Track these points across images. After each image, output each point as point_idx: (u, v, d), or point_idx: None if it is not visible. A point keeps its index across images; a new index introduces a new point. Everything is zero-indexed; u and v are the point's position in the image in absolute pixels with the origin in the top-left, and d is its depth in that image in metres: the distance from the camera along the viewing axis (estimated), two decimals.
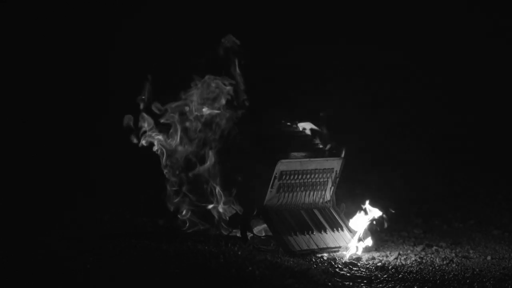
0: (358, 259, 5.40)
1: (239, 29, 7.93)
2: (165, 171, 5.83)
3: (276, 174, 5.52)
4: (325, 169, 5.76)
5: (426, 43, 8.77)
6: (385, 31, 8.67)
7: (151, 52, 7.87)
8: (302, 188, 5.69)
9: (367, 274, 5.04)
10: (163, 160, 5.84)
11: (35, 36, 7.86)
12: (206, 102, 5.83)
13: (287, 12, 8.59)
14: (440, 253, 5.74)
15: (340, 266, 5.19)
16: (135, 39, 7.90)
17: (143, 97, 5.83)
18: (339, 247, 5.59)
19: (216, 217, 5.78)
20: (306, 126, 5.87)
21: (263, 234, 5.68)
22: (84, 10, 7.95)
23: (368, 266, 5.23)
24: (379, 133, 8.35)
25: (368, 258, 5.45)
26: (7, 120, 7.74)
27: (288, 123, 5.92)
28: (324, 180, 5.79)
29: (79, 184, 7.25)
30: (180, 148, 5.83)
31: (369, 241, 5.65)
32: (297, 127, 5.91)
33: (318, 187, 5.77)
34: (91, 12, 7.96)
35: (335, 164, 5.80)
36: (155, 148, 5.84)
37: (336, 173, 5.80)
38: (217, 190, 5.78)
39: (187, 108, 5.78)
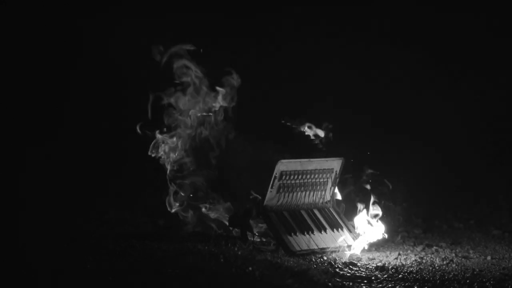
0: (358, 259, 5.40)
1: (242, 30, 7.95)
2: (161, 161, 5.84)
3: (276, 174, 5.52)
4: (325, 169, 5.77)
5: (425, 46, 8.77)
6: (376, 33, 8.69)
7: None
8: (302, 188, 5.69)
9: (367, 274, 5.04)
10: (163, 160, 5.85)
11: (31, 38, 7.88)
12: (204, 103, 5.84)
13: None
14: (440, 253, 5.74)
15: (340, 266, 5.19)
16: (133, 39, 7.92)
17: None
18: (339, 247, 5.60)
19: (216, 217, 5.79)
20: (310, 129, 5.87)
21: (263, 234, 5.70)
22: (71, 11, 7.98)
23: (368, 266, 5.24)
24: (380, 133, 8.35)
25: (368, 258, 5.45)
26: (7, 119, 7.75)
27: (288, 123, 5.93)
28: (324, 180, 5.79)
29: (79, 184, 7.25)
30: (180, 148, 5.84)
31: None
32: (298, 127, 5.92)
33: (318, 187, 5.77)
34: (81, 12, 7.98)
35: (335, 164, 5.80)
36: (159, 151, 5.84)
37: (336, 174, 5.81)
38: (217, 191, 5.78)
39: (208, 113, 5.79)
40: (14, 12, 7.94)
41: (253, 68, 7.73)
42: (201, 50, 5.86)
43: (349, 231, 5.74)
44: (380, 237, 5.72)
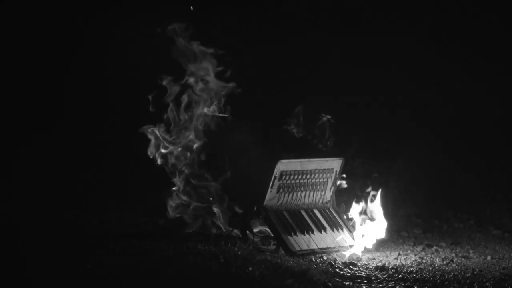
0: (358, 259, 5.40)
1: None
2: (160, 162, 5.84)
3: (276, 174, 5.51)
4: (325, 169, 5.77)
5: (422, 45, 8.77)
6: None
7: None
8: (302, 188, 5.69)
9: (367, 274, 5.04)
10: (163, 160, 5.85)
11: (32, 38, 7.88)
12: (205, 102, 5.83)
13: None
14: (440, 253, 5.74)
15: (340, 266, 5.19)
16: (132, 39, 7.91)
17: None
18: (340, 247, 5.59)
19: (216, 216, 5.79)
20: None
21: (263, 234, 5.69)
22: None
23: (368, 266, 5.23)
24: (380, 133, 8.34)
25: (368, 258, 5.45)
26: (7, 118, 7.75)
27: (288, 123, 5.93)
28: (324, 180, 5.79)
29: (79, 184, 7.25)
30: (180, 147, 5.83)
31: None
32: (299, 127, 5.92)
33: (318, 187, 5.77)
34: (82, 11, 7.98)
35: (335, 164, 5.80)
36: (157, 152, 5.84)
37: (336, 173, 5.81)
38: (217, 191, 5.78)
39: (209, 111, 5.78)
40: (13, 12, 7.94)
41: (253, 68, 7.73)
42: (191, 8, 5.83)
43: (349, 231, 5.73)
44: (378, 237, 5.72)
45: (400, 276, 5.01)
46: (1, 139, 7.60)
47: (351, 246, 5.61)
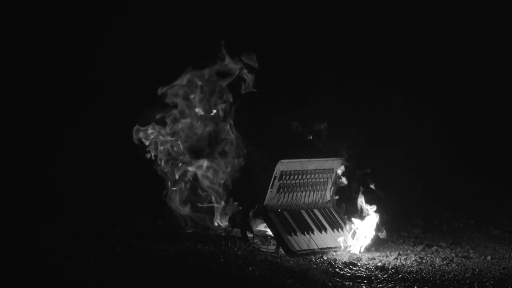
0: (358, 259, 5.40)
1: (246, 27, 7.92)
2: (159, 167, 5.83)
3: (276, 174, 5.52)
4: (325, 169, 5.77)
5: (426, 43, 8.77)
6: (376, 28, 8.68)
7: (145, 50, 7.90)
8: (302, 188, 5.69)
9: (367, 274, 5.04)
10: (162, 159, 5.85)
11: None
12: (206, 100, 5.83)
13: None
14: (440, 253, 5.74)
15: (340, 266, 5.19)
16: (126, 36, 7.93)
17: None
18: (340, 247, 5.59)
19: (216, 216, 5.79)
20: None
21: (263, 234, 5.69)
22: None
23: (368, 266, 5.24)
24: (379, 133, 8.35)
25: (368, 258, 5.45)
26: (9, 119, 7.76)
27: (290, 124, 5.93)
28: (324, 180, 5.79)
29: (79, 184, 7.25)
30: (180, 147, 5.84)
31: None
32: (299, 127, 5.92)
33: (318, 187, 5.77)
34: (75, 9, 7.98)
35: (335, 164, 5.80)
36: (152, 147, 5.84)
37: (336, 174, 5.81)
38: (217, 190, 5.78)
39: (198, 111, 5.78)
40: (16, 12, 7.94)
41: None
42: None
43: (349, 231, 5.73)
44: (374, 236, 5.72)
45: (400, 276, 5.02)
46: (3, 139, 7.62)
47: (349, 246, 5.61)
